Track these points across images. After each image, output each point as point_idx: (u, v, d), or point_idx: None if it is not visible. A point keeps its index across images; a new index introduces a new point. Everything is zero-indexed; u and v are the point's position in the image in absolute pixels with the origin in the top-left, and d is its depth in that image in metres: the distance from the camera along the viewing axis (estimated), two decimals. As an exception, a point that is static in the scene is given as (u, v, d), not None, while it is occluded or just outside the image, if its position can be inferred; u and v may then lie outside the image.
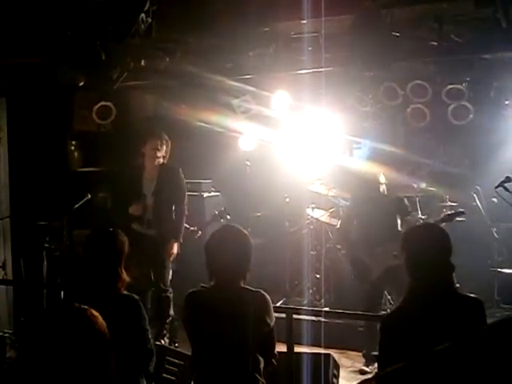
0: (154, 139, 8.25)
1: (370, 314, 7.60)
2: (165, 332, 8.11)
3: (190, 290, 4.68)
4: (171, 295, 8.25)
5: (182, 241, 8.30)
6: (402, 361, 2.43)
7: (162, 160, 8.34)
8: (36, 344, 2.92)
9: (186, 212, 8.38)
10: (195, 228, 8.76)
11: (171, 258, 8.24)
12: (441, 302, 3.84)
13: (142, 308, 4.76)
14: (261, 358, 4.51)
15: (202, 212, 9.82)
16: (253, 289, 4.54)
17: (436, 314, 3.79)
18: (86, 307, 3.08)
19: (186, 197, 8.43)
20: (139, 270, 7.86)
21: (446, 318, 3.76)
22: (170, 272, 8.39)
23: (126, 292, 4.79)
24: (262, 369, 4.51)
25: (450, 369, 2.44)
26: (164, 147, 8.32)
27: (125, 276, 4.75)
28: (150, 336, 4.84)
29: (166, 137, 8.38)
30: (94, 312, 3.07)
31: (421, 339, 3.59)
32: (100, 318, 3.07)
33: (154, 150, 8.21)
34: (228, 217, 8.84)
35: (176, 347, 7.66)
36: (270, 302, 4.58)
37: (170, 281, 8.38)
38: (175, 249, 8.21)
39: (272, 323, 4.53)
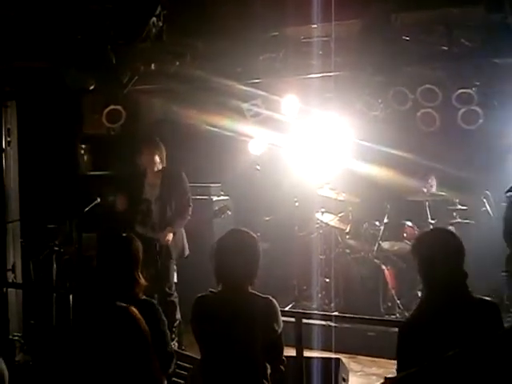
0: (150, 147, 8.33)
1: (380, 318, 7.58)
2: (173, 336, 8.11)
3: (199, 295, 4.68)
4: (176, 299, 8.28)
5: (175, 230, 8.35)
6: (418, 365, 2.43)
7: (161, 165, 8.40)
8: (86, 342, 2.94)
9: (190, 211, 8.43)
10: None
11: (167, 242, 8.27)
12: (456, 307, 3.81)
13: (160, 312, 4.77)
14: (267, 364, 4.50)
15: (210, 216, 9.80)
16: (261, 294, 4.54)
17: (451, 319, 3.77)
18: (127, 305, 3.10)
19: (190, 198, 8.48)
20: (144, 274, 7.88)
21: (461, 322, 3.73)
22: (175, 275, 8.40)
23: (144, 297, 4.80)
24: (268, 374, 4.50)
25: (463, 374, 2.43)
26: (160, 153, 8.39)
27: (142, 281, 4.75)
28: (169, 339, 4.86)
29: (159, 142, 8.47)
30: (135, 310, 3.09)
31: (437, 345, 3.57)
32: (140, 316, 3.09)
33: (151, 157, 8.30)
34: (229, 212, 8.85)
35: (183, 350, 7.67)
36: (278, 307, 4.57)
37: (176, 284, 8.40)
38: (170, 236, 8.25)
39: (280, 329, 4.52)
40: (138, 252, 4.83)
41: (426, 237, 4.28)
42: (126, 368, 2.94)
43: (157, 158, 8.35)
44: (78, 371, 3.00)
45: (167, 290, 8.22)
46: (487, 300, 3.98)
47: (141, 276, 4.78)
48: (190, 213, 8.45)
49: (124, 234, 4.95)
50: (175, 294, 8.30)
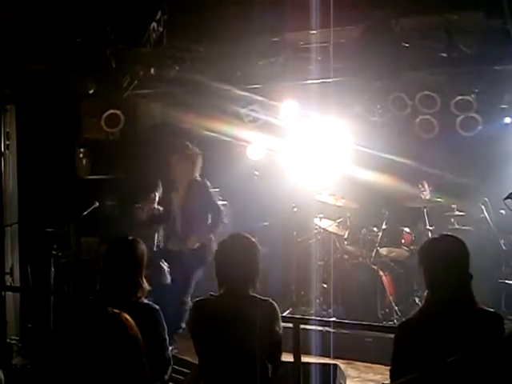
0: (182, 158, 8.53)
1: (378, 324, 7.56)
2: (171, 341, 8.10)
3: (197, 299, 4.68)
4: (188, 307, 8.30)
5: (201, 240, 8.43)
6: (414, 373, 2.41)
7: (192, 176, 8.50)
8: (72, 348, 2.93)
9: (222, 221, 8.59)
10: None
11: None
12: (456, 315, 3.79)
13: (161, 317, 4.77)
14: (269, 365, 4.50)
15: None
16: (261, 297, 4.55)
17: (450, 326, 3.75)
18: (119, 311, 3.10)
19: (219, 208, 8.60)
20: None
21: (461, 331, 3.72)
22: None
23: (146, 301, 4.80)
24: (269, 376, 4.51)
25: (461, 381, 2.41)
26: (187, 161, 8.47)
27: (145, 285, 4.75)
28: (168, 345, 4.85)
29: (192, 151, 8.54)
30: (128, 316, 3.08)
31: (433, 351, 3.56)
32: (133, 323, 3.09)
33: (182, 168, 8.41)
34: (226, 221, 8.89)
35: (178, 354, 7.66)
36: (278, 309, 4.59)
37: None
38: (191, 242, 8.35)
39: (281, 331, 4.54)
40: (143, 256, 4.83)
41: (430, 243, 4.27)
42: (114, 375, 2.93)
43: (189, 169, 8.42)
44: (68, 377, 2.99)
45: (184, 298, 8.25)
46: (491, 311, 3.96)
47: (144, 280, 4.78)
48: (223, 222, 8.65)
49: (130, 238, 4.94)
50: (189, 301, 8.32)
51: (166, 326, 4.82)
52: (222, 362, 4.43)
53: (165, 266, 8.59)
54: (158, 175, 9.09)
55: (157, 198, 8.85)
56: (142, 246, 4.86)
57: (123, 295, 4.62)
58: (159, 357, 4.69)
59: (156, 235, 8.81)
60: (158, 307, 4.81)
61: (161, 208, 8.76)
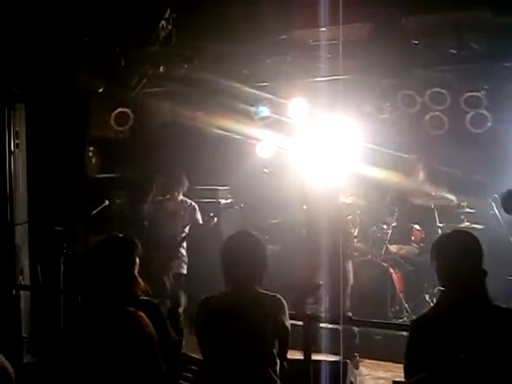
0: None
1: (388, 322, 7.53)
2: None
3: (204, 297, 4.67)
4: None
5: None
6: (428, 369, 2.41)
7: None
8: (89, 346, 2.93)
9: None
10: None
11: None
12: (472, 312, 3.77)
13: (162, 312, 4.74)
14: (278, 360, 4.50)
15: (218, 218, 9.79)
16: (269, 293, 4.55)
17: (466, 323, 3.73)
18: (134, 309, 3.10)
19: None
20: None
21: (476, 327, 3.69)
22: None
23: (144, 297, 4.77)
24: (278, 371, 4.50)
25: (473, 379, 2.40)
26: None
27: (140, 281, 4.72)
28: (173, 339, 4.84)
29: None
30: (143, 314, 3.09)
31: (449, 347, 3.54)
32: (148, 321, 3.09)
33: None
34: (242, 205, 8.95)
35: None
36: (286, 305, 4.58)
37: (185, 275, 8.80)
38: None
39: (289, 326, 4.54)
40: (133, 252, 4.77)
41: (444, 239, 4.24)
42: (132, 372, 2.93)
43: None
44: (82, 375, 2.99)
45: None
46: (506, 308, 3.93)
47: (138, 277, 4.74)
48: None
49: (119, 235, 4.92)
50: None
51: (167, 320, 4.81)
52: (230, 359, 4.43)
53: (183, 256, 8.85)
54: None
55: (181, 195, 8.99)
56: (133, 243, 4.81)
57: (120, 293, 4.58)
58: (167, 350, 4.68)
59: None
60: (157, 302, 4.79)
61: None
